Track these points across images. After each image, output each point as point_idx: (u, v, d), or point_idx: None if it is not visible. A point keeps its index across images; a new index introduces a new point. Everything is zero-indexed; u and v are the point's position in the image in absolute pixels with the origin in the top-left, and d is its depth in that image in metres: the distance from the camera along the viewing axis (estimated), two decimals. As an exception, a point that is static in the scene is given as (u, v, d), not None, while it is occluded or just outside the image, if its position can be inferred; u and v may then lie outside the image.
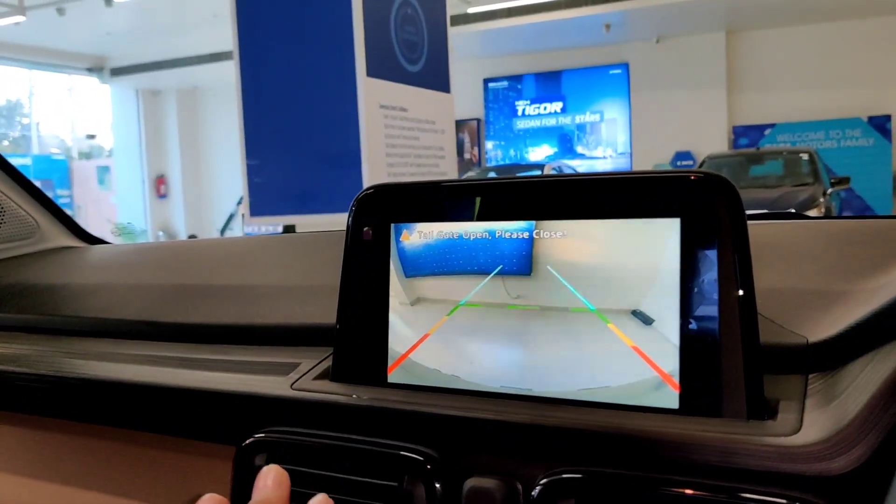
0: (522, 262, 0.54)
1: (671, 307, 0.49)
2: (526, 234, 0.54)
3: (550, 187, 0.55)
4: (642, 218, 0.51)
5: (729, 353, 0.47)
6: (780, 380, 0.50)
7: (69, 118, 15.16)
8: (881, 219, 0.69)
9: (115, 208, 13.28)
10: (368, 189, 0.62)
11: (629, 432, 0.46)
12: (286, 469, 0.55)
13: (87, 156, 15.33)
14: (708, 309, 0.48)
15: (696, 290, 0.49)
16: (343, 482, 0.53)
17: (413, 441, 0.52)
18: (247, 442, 0.57)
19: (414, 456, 0.51)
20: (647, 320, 0.50)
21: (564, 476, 0.47)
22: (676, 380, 0.49)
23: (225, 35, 4.79)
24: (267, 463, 0.56)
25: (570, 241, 0.53)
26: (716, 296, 0.48)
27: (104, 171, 14.01)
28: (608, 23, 9.53)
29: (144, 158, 13.59)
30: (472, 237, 0.56)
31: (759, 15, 9.41)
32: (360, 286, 0.60)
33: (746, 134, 10.24)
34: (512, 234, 0.55)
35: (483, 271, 0.56)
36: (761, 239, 0.67)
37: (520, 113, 11.51)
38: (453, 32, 4.98)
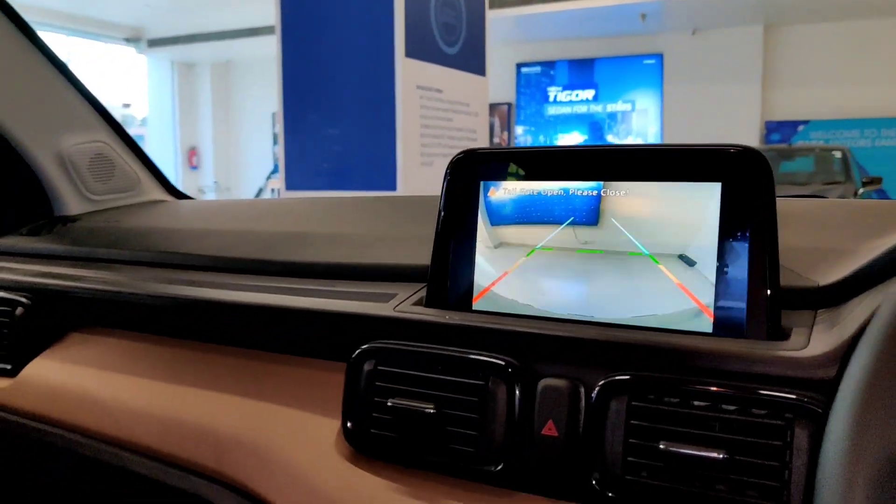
0: (591, 215, 0.67)
1: (710, 252, 0.62)
2: (595, 192, 0.67)
3: (616, 154, 0.68)
4: (690, 181, 0.63)
5: (754, 290, 0.60)
6: (795, 314, 0.63)
7: (105, 87, 15.43)
8: None
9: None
10: (460, 154, 0.75)
11: (671, 346, 0.59)
12: (392, 371, 0.69)
13: (122, 124, 15.59)
14: (740, 254, 0.61)
15: (730, 239, 0.62)
16: (440, 381, 0.66)
17: (496, 353, 0.66)
18: (358, 351, 0.71)
19: (497, 361, 0.65)
20: (690, 263, 0.63)
21: (618, 378, 0.60)
22: (712, 310, 0.62)
23: (261, 10, 4.89)
24: (375, 368, 0.70)
25: (630, 198, 0.66)
26: (746, 245, 0.61)
27: (138, 139, 14.26)
28: (644, 12, 9.53)
29: (177, 130, 13.86)
30: (549, 194, 0.70)
31: (798, 9, 9.36)
32: (453, 231, 0.73)
33: (779, 129, 10.21)
34: (583, 191, 0.68)
35: (557, 222, 0.69)
36: (788, 210, 0.79)
37: (551, 99, 11.56)
38: (488, 16, 5.06)
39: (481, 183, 0.73)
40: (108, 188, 1.25)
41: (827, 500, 0.36)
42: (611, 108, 11.26)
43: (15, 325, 1.00)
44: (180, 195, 1.39)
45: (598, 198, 0.67)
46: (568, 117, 11.53)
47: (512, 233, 0.71)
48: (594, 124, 11.36)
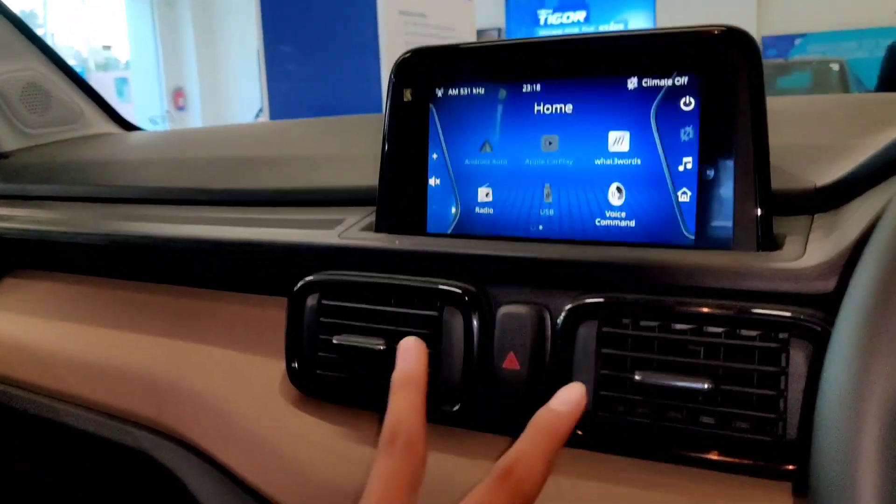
0: None
1: (690, 155, 0.53)
2: (557, 90, 0.58)
3: (565, 46, 0.58)
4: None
5: (742, 195, 0.52)
6: (790, 220, 0.54)
7: (85, 29, 14.98)
8: None
9: (135, 120, 13.26)
10: (406, 53, 0.65)
11: (647, 263, 0.51)
12: (337, 305, 0.61)
13: (103, 67, 15.21)
14: (724, 156, 0.52)
15: (713, 139, 0.53)
16: (390, 315, 0.59)
17: (451, 279, 0.58)
18: (300, 284, 0.63)
19: (452, 289, 0.57)
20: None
21: (588, 301, 0.52)
22: (694, 219, 0.53)
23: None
24: (319, 302, 0.62)
25: (598, 94, 0.57)
26: (731, 145, 0.52)
27: (122, 82, 13.92)
28: (636, -75, 9.14)
29: (162, 71, 13.49)
30: (506, 94, 0.60)
31: (795, -84, 8.98)
32: (402, 145, 0.64)
33: (776, 45, 9.93)
34: None
35: (516, 127, 0.60)
36: (780, 107, 0.70)
37: (542, 22, 11.22)
38: (473, -66, 4.84)
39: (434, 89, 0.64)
40: (45, 121, 1.15)
41: (831, 436, 0.28)
42: (603, 29, 10.94)
43: None
44: (130, 126, 1.30)
45: (562, 96, 0.58)
46: (560, 41, 11.20)
47: None
48: (587, 47, 11.04)
